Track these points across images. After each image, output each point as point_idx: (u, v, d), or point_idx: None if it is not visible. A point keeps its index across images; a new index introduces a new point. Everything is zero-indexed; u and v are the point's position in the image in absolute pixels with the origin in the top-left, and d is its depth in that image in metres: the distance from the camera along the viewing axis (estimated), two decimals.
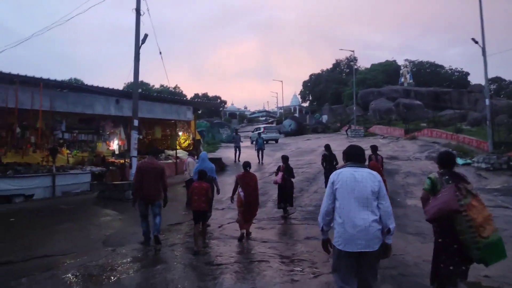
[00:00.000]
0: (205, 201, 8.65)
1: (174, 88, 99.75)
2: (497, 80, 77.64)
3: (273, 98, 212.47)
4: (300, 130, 54.24)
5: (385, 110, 53.52)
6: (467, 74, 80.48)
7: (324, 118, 67.98)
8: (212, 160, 16.89)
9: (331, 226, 4.83)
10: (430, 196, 5.28)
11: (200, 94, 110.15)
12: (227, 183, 16.88)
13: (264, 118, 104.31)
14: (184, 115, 24.73)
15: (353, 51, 57.52)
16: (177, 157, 23.89)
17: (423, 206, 5.37)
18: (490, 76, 26.21)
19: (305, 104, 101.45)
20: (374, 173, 4.70)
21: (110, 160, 22.12)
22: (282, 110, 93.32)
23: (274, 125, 59.65)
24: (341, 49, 59.03)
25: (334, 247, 4.79)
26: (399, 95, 58.51)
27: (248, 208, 9.25)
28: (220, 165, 22.25)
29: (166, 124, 25.49)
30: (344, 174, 4.74)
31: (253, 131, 47.83)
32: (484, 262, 4.99)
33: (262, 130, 41.02)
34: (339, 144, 25.54)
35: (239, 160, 24.70)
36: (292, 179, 12.22)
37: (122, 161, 20.70)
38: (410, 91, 59.47)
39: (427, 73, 78.25)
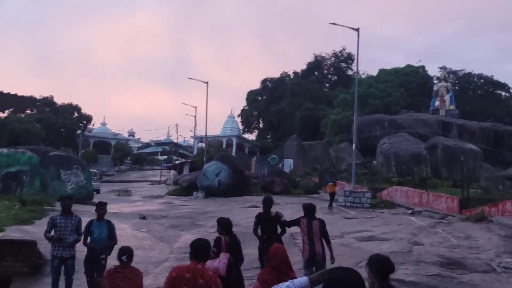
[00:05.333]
0: None
1: None
2: None
3: (186, 119, 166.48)
4: (238, 185, 37.83)
5: (409, 156, 39.16)
6: None
7: (288, 164, 50.54)
8: None
9: None
10: None
11: (38, 97, 72.75)
12: None
13: (165, 157, 75.05)
14: None
15: (357, 29, 31.96)
16: None
17: None
18: None
19: (251, 136, 77.42)
20: None
21: None
22: (203, 144, 62.36)
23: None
24: (333, 24, 32.74)
25: None
26: (432, 130, 45.75)
27: None
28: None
29: None
30: None
31: None
32: None
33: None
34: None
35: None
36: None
37: None
38: (452, 125, 46.86)
39: (478, 96, 60.45)
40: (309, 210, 9.31)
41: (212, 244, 7.11)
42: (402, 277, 10.27)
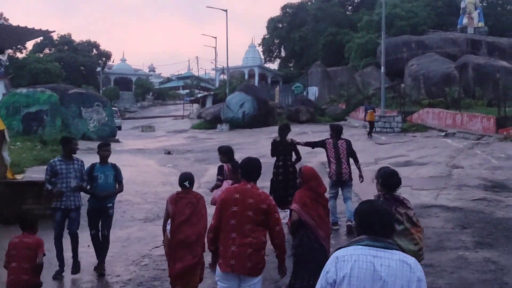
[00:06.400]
0: (29, 271, 6.10)
1: None
2: None
3: (207, 51, 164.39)
4: (263, 115, 37.59)
5: (439, 77, 37.67)
6: None
7: (313, 92, 49.44)
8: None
9: None
10: None
11: (56, 37, 71.38)
12: None
13: (187, 91, 73.78)
14: None
15: None
16: None
17: None
18: None
19: (273, 65, 73.89)
20: (412, 261, 3.07)
21: None
22: (225, 75, 60.12)
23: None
24: None
25: None
26: (461, 49, 42.48)
27: (177, 255, 6.24)
28: None
29: None
30: (357, 263, 3.06)
31: None
32: None
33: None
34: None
35: None
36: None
37: None
38: (481, 43, 43.19)
39: (507, 11, 56.93)
40: (336, 130, 9.15)
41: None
42: (445, 202, 9.78)
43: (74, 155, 7.89)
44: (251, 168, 5.45)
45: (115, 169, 7.90)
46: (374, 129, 26.13)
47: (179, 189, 7.17)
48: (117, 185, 7.84)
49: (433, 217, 8.79)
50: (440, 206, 9.44)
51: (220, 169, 8.43)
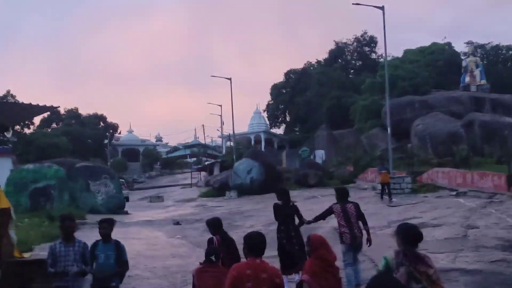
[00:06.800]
0: None
1: (4, 96, 58.87)
2: None
3: (213, 119, 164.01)
4: (271, 181, 35.79)
5: (445, 136, 38.47)
6: None
7: (319, 155, 49.98)
8: None
9: None
10: None
11: (63, 111, 73.21)
12: None
13: (194, 159, 73.87)
14: None
15: (381, 7, 30.92)
16: None
17: None
18: None
19: (278, 130, 75.20)
20: None
21: None
22: (231, 142, 61.51)
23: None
24: (356, 4, 34.41)
25: None
26: (465, 107, 43.52)
27: None
28: None
29: None
30: None
31: None
32: None
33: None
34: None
35: None
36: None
37: None
38: (485, 100, 44.21)
39: (508, 68, 57.67)
40: (342, 193, 9.12)
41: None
42: (464, 265, 9.44)
43: (76, 237, 7.25)
44: (258, 243, 5.41)
45: (117, 247, 7.30)
46: (390, 191, 24.27)
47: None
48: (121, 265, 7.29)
49: (452, 281, 8.48)
50: (458, 270, 9.12)
51: (210, 241, 8.31)
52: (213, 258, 6.55)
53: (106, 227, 7.40)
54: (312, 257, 6.18)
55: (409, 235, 5.12)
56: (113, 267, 7.12)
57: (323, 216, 9.48)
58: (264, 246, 5.35)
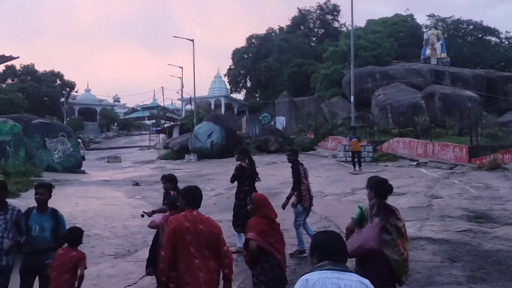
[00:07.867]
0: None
1: None
2: None
3: (173, 82, 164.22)
4: (231, 145, 34.89)
5: (406, 107, 38.32)
6: None
7: (280, 122, 48.83)
8: None
9: None
10: (356, 228, 5.45)
11: (18, 67, 69.34)
12: None
13: (153, 121, 72.31)
14: None
15: None
16: None
17: (346, 237, 5.35)
18: None
19: (239, 95, 73.72)
20: (367, 281, 3.45)
21: None
22: (191, 106, 61.10)
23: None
24: None
25: None
26: (425, 79, 44.00)
27: None
28: None
29: None
30: (325, 286, 3.36)
31: None
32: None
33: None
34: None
35: None
36: None
37: None
38: (444, 74, 44.58)
39: (468, 42, 57.89)
40: (297, 154, 9.48)
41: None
42: (430, 234, 9.46)
43: (8, 203, 6.29)
44: (196, 195, 5.49)
45: (55, 218, 6.25)
46: (360, 159, 23.83)
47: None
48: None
49: (419, 249, 8.45)
50: (425, 238, 9.11)
51: (167, 195, 8.42)
52: (178, 204, 6.32)
53: (43, 192, 6.34)
54: (256, 216, 6.31)
55: (380, 188, 5.36)
56: (48, 240, 6.12)
57: (300, 180, 9.16)
58: (201, 198, 5.44)
